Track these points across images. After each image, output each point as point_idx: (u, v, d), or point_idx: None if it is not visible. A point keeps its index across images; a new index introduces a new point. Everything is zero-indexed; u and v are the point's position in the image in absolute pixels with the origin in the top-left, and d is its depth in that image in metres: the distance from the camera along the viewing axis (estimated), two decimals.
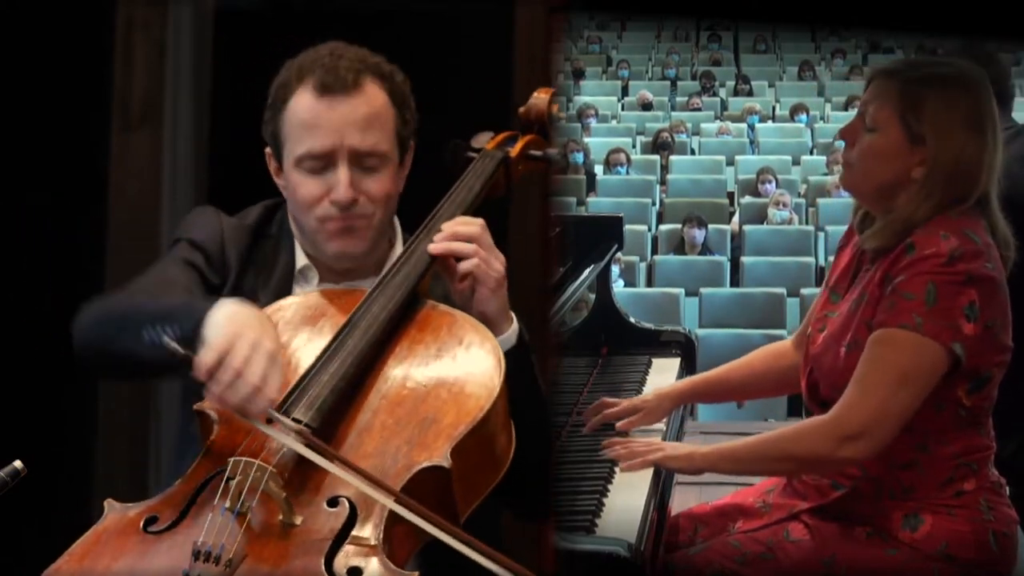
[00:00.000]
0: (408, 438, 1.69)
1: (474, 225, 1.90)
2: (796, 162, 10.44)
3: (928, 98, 2.06)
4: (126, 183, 2.70)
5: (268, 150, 2.01)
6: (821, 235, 8.45)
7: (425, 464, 1.65)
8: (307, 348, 1.81)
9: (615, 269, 5.30)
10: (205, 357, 1.64)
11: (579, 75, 12.61)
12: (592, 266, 2.99)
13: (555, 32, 2.58)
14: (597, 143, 10.63)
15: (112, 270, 2.62)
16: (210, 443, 1.72)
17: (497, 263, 1.88)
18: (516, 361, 1.83)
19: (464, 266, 1.87)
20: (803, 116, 11.72)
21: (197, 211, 2.11)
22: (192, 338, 1.69)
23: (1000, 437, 2.19)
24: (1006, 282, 2.08)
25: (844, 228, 2.29)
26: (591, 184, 9.58)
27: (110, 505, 1.66)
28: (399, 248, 2.04)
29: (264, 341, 1.68)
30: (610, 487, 2.18)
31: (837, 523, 2.13)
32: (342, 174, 1.91)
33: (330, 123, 1.91)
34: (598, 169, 9.95)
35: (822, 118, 11.90)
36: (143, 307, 1.81)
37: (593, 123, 11.61)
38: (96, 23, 2.66)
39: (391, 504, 1.59)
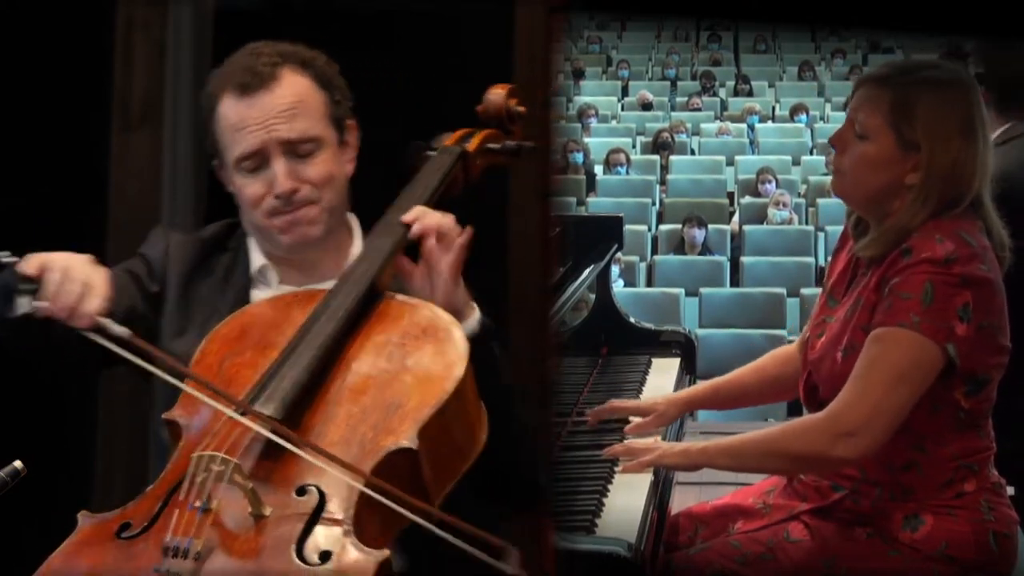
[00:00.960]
0: (374, 424, 1.70)
1: (447, 217, 1.90)
2: (796, 162, 10.44)
3: (920, 104, 2.05)
4: (126, 183, 2.70)
5: (216, 162, 2.03)
6: (821, 235, 8.46)
7: (392, 447, 1.67)
8: (272, 349, 1.82)
9: (615, 269, 5.30)
10: (29, 264, 1.72)
11: (579, 75, 12.60)
12: (592, 266, 2.99)
13: (555, 32, 2.58)
14: (597, 143, 10.63)
15: None
16: (179, 449, 1.74)
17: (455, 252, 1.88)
18: (476, 350, 1.83)
19: (427, 225, 1.87)
20: (803, 116, 11.74)
21: (151, 232, 2.14)
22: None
23: (999, 437, 2.19)
24: (1003, 283, 2.08)
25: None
26: (591, 184, 9.59)
27: (83, 516, 1.68)
28: (358, 246, 2.05)
29: (77, 255, 1.76)
30: (610, 487, 2.18)
31: (837, 524, 2.13)
32: (278, 167, 1.94)
33: (254, 120, 1.94)
34: (598, 169, 9.96)
35: (822, 118, 11.91)
36: None
37: (593, 123, 11.62)
38: (96, 23, 2.66)
39: (360, 486, 1.61)
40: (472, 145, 2.10)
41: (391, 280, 1.93)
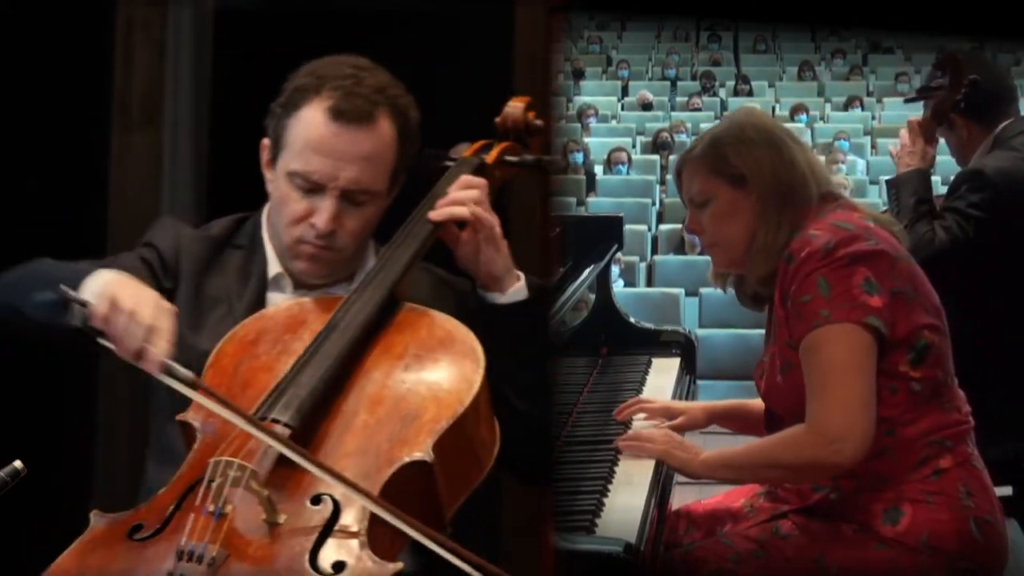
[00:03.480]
0: (389, 435, 1.71)
1: (474, 188, 1.95)
2: None
3: (725, 143, 2.22)
4: (126, 183, 2.70)
5: (266, 142, 2.01)
6: None
7: (407, 459, 1.67)
8: (287, 354, 1.82)
9: (615, 269, 5.30)
10: (98, 307, 1.66)
11: (579, 75, 12.60)
12: (592, 266, 2.99)
13: (555, 32, 2.58)
14: (597, 143, 10.63)
15: None
16: (194, 451, 1.74)
17: (493, 218, 1.93)
18: (527, 314, 1.88)
19: (458, 212, 1.93)
20: (803, 116, 11.72)
21: (159, 221, 2.14)
22: (66, 302, 1.72)
23: (998, 439, 2.19)
24: (904, 253, 2.15)
25: None
26: (591, 184, 9.59)
27: (96, 516, 1.67)
28: (372, 257, 2.05)
29: (146, 289, 1.72)
30: (610, 487, 2.18)
31: (824, 520, 2.15)
32: (328, 205, 1.93)
33: (333, 152, 1.92)
34: (598, 169, 9.96)
35: (822, 118, 11.90)
36: (40, 271, 1.85)
37: (593, 123, 11.61)
38: (96, 23, 2.66)
39: (370, 505, 1.60)
40: (490, 157, 2.10)
41: (409, 289, 1.94)
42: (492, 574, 1.54)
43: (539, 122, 2.18)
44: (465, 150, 2.13)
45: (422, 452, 1.67)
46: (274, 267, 2.04)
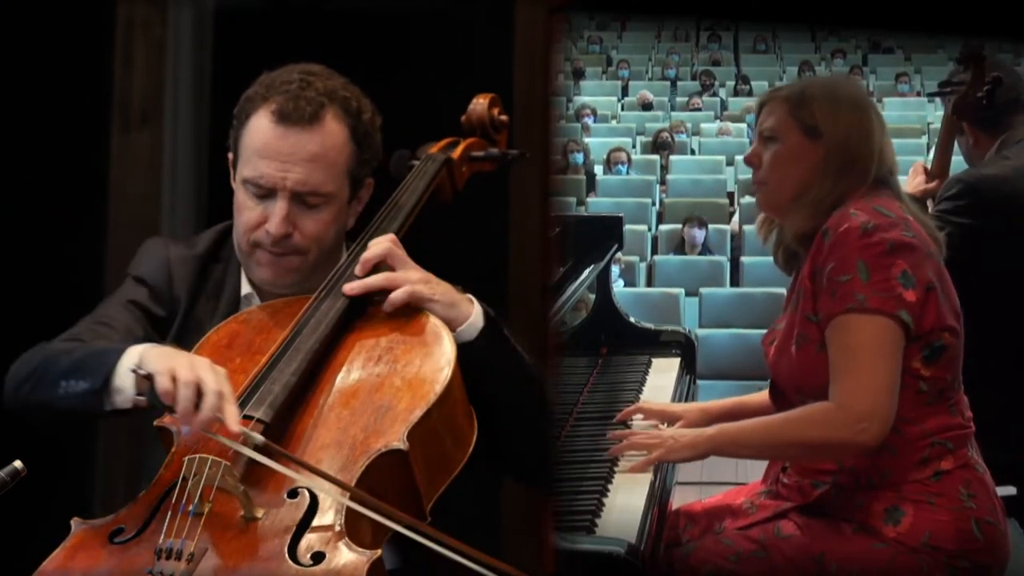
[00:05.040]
0: (364, 426, 1.72)
1: (379, 249, 1.90)
2: None
3: (814, 94, 2.22)
4: (126, 183, 2.70)
5: (231, 155, 2.01)
6: None
7: (383, 449, 1.69)
8: (262, 355, 1.83)
9: (615, 269, 5.30)
10: (161, 384, 1.65)
11: (579, 75, 12.61)
12: (592, 266, 2.99)
13: (555, 32, 2.59)
14: (597, 143, 10.63)
15: (112, 270, 2.62)
16: (172, 454, 1.75)
17: (403, 288, 1.87)
18: (488, 341, 1.86)
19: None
20: None
21: (145, 245, 2.10)
22: (103, 388, 1.73)
23: (1000, 442, 2.20)
24: (936, 252, 2.15)
25: None
26: (591, 184, 9.59)
27: (76, 523, 1.69)
28: (344, 254, 2.04)
29: (195, 358, 1.71)
30: (610, 487, 2.18)
31: (825, 519, 2.15)
32: (279, 207, 1.92)
33: (278, 155, 1.91)
34: (598, 169, 9.96)
35: None
36: (58, 361, 1.82)
37: (593, 123, 11.62)
38: (96, 23, 2.66)
39: (346, 501, 1.62)
40: (456, 153, 2.12)
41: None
42: (469, 557, 1.56)
43: (504, 117, 2.21)
44: (431, 148, 2.15)
45: (397, 441, 1.69)
46: (245, 286, 2.04)
